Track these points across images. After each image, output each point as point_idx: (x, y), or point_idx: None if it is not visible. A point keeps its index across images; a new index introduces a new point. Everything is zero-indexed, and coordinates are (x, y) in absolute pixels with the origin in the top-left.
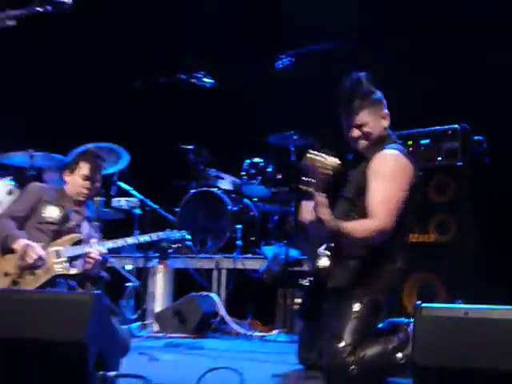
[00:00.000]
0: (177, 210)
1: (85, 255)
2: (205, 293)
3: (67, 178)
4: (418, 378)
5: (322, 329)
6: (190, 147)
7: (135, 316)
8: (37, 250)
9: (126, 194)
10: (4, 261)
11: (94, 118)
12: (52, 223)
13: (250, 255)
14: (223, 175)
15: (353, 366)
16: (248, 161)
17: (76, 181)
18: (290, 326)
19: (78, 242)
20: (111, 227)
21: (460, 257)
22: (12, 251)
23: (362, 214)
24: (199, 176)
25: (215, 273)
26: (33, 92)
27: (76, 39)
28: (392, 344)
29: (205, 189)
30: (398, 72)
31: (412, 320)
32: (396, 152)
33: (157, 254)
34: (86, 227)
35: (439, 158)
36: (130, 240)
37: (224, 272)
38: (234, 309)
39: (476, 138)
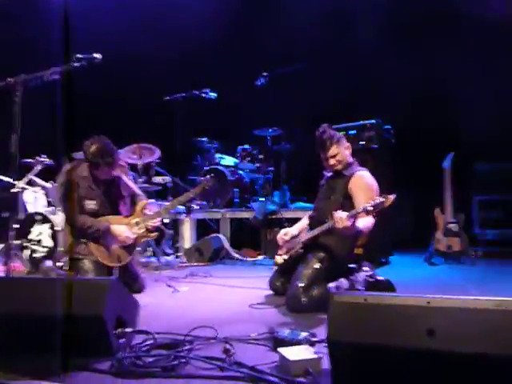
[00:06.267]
0: (196, 180)
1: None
2: (215, 234)
3: None
4: (332, 351)
5: (292, 273)
6: (204, 139)
7: (172, 251)
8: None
9: (161, 174)
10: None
11: (138, 125)
12: None
13: (243, 208)
14: (225, 156)
15: (304, 299)
16: (240, 147)
17: None
18: (271, 253)
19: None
20: (154, 195)
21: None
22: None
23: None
24: (210, 157)
25: (222, 221)
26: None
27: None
28: (335, 286)
29: (213, 166)
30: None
31: (355, 266)
32: (367, 172)
33: (184, 210)
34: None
35: (362, 143)
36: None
37: (227, 220)
38: (234, 243)
39: (386, 127)
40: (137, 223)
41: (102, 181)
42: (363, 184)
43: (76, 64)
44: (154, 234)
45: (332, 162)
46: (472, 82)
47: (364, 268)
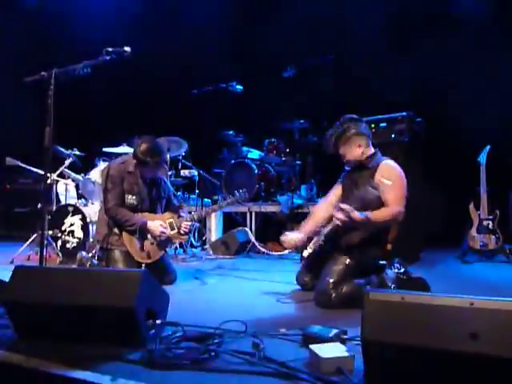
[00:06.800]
0: (222, 173)
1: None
2: (241, 228)
3: None
4: (366, 350)
5: (320, 269)
6: (231, 132)
7: (199, 243)
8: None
9: (188, 167)
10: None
11: (165, 118)
12: None
13: (269, 202)
14: (252, 150)
15: (334, 295)
16: (267, 140)
17: None
18: (296, 247)
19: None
20: (181, 188)
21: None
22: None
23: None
24: (237, 151)
25: (248, 214)
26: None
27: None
28: (365, 283)
29: (240, 160)
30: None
31: (385, 263)
32: (393, 162)
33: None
34: None
35: (393, 136)
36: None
37: (253, 214)
38: (260, 237)
39: (418, 120)
40: (170, 224)
41: (146, 179)
42: (391, 173)
43: (106, 57)
44: (185, 237)
45: (343, 160)
46: (509, 73)
47: (395, 264)
